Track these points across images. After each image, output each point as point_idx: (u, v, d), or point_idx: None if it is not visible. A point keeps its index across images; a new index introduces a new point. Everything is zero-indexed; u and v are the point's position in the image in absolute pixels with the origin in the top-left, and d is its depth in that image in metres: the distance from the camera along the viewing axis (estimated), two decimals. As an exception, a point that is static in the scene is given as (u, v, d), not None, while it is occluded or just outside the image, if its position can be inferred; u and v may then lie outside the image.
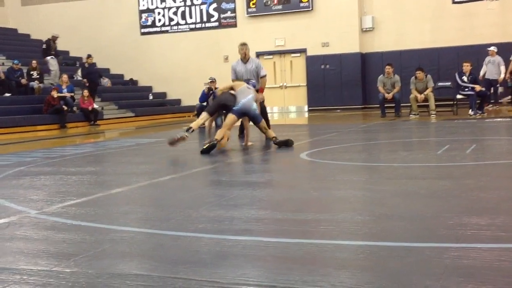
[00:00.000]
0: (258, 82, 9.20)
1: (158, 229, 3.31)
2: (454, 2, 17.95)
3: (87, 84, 17.79)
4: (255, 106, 8.10)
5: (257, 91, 8.82)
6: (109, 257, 2.77)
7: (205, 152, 7.41)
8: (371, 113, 16.99)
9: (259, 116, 8.18)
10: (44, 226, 3.56)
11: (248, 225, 3.33)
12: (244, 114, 8.10)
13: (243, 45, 9.33)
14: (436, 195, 4.05)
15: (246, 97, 8.02)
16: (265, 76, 9.43)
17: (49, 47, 18.59)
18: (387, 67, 14.95)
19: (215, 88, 13.78)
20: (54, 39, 18.89)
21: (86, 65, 18.57)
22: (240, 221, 3.43)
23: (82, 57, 22.30)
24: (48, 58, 18.35)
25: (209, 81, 14.06)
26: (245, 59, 9.31)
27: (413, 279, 2.28)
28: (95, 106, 17.56)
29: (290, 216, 3.54)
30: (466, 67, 13.85)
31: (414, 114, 14.08)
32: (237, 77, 9.20)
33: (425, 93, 14.04)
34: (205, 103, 13.88)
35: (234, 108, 7.94)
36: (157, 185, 5.14)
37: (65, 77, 17.24)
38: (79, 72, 18.75)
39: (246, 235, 3.09)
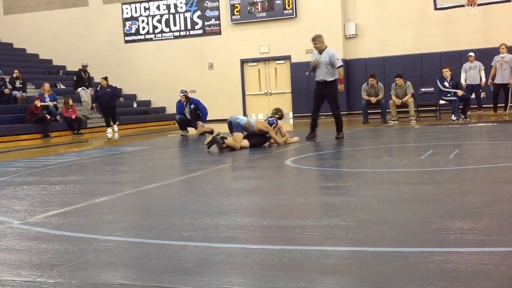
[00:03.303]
0: (333, 72, 9.92)
1: (142, 238, 3.29)
2: (436, 9, 18.10)
3: (97, 109, 16.99)
4: (239, 120, 8.79)
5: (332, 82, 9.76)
6: (93, 267, 2.75)
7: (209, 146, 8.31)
8: (355, 119, 17.07)
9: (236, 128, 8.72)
10: (27, 237, 3.52)
11: (233, 233, 3.32)
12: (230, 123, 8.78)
13: (313, 40, 9.87)
14: (420, 200, 4.08)
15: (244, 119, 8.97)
16: (340, 66, 10.01)
17: (80, 78, 18.19)
18: (370, 79, 15.01)
19: (188, 100, 13.73)
20: (84, 69, 18.33)
21: (98, 87, 17.07)
22: (225, 228, 3.42)
23: (66, 66, 22.25)
24: (79, 89, 18.05)
25: (182, 94, 13.97)
26: (320, 51, 10.08)
27: (398, 284, 2.29)
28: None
29: (275, 222, 3.54)
30: (446, 72, 13.98)
31: (393, 120, 14.18)
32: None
33: (404, 99, 14.17)
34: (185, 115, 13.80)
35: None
36: (142, 193, 5.12)
37: (47, 85, 17.08)
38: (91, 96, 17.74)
39: (231, 242, 3.08)
